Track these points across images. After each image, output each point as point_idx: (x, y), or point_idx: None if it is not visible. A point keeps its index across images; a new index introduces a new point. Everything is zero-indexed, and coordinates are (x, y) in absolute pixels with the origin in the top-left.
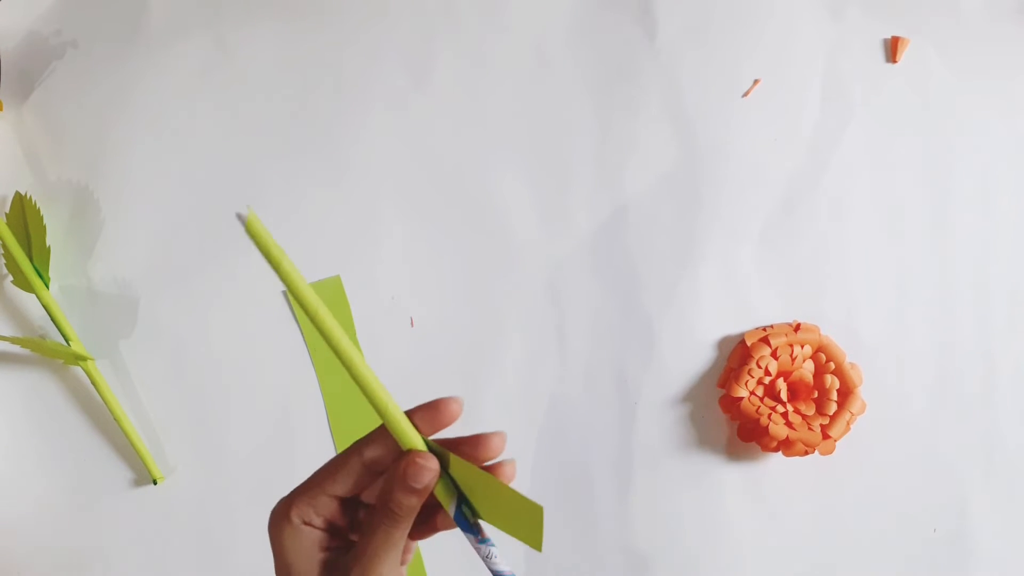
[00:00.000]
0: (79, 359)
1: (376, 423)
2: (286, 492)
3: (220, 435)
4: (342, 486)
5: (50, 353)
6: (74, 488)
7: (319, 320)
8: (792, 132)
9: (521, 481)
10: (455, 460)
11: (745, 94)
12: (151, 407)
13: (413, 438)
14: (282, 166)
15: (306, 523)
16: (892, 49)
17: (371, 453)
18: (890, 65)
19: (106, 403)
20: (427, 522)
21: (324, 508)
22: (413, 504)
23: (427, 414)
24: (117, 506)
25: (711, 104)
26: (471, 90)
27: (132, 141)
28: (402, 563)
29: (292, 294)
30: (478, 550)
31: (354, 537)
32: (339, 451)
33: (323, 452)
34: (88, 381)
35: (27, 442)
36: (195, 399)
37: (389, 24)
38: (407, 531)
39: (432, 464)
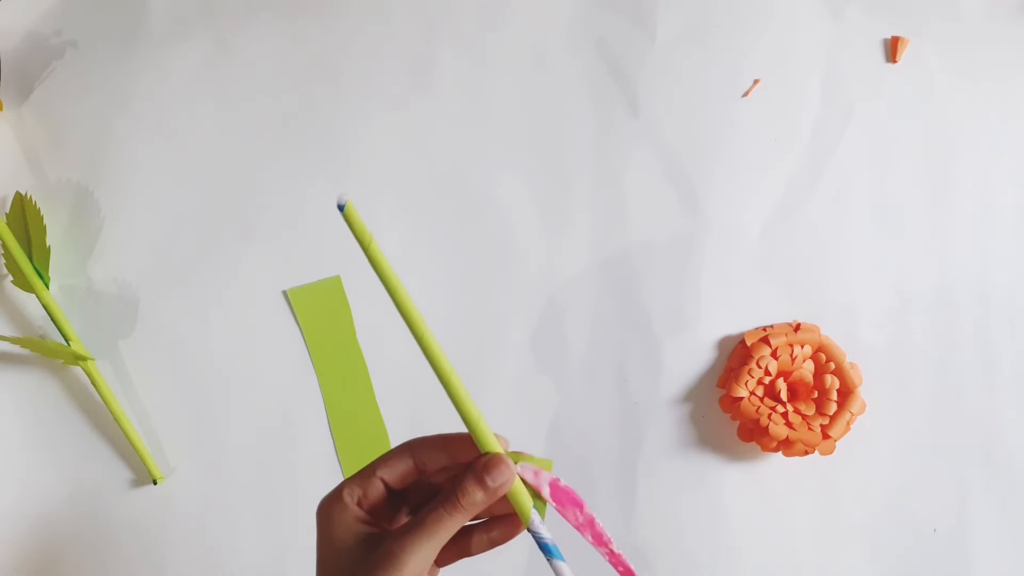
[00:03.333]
0: (79, 359)
1: (365, 429)
2: (286, 492)
3: (220, 435)
4: (391, 473)
5: (50, 353)
6: (74, 488)
7: (414, 323)
8: (792, 132)
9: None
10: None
11: (745, 94)
12: (151, 407)
13: (491, 442)
14: (282, 166)
15: (355, 503)
16: (892, 49)
17: (421, 453)
18: (890, 65)
19: (106, 403)
20: (459, 544)
21: (372, 491)
22: (478, 500)
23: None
24: (117, 506)
25: (711, 104)
26: (471, 90)
27: (132, 141)
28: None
29: (393, 296)
30: (551, 564)
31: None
32: (339, 451)
33: (323, 452)
34: (88, 381)
35: (27, 442)
36: (195, 399)
37: (389, 24)
38: (459, 524)
39: (514, 470)
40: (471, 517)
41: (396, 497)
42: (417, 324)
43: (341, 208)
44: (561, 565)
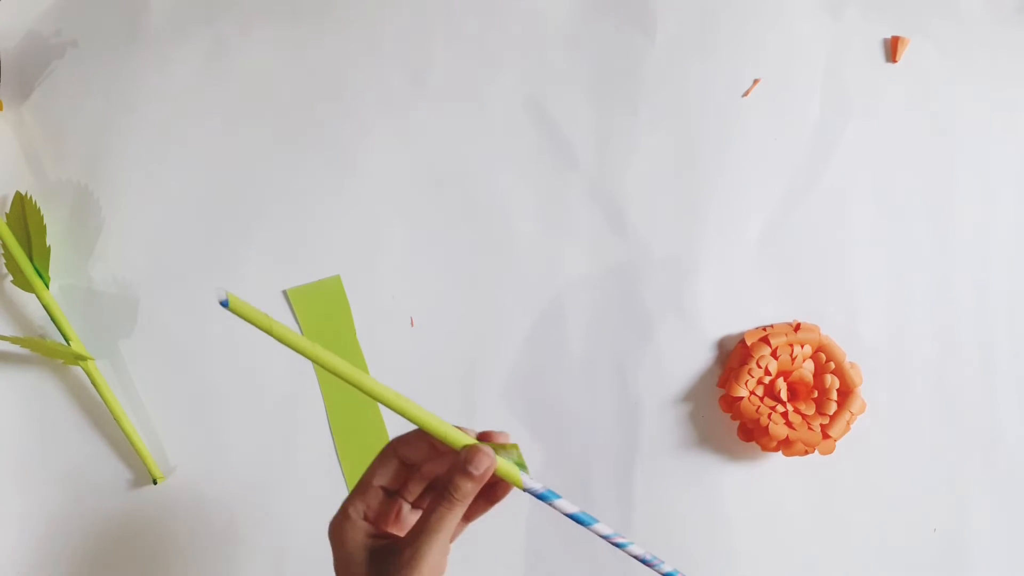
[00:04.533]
0: (79, 359)
1: (365, 429)
2: (286, 492)
3: (220, 435)
4: (385, 478)
5: (50, 353)
6: (74, 488)
7: (335, 368)
8: (792, 132)
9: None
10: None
11: (745, 94)
12: (151, 407)
13: (462, 438)
14: (282, 165)
15: (361, 518)
16: (892, 49)
17: (405, 451)
18: (890, 65)
19: (106, 403)
20: (481, 504)
21: (374, 500)
22: (469, 490)
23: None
24: (117, 506)
25: (711, 104)
26: (471, 90)
27: (132, 141)
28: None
29: (304, 355)
30: (553, 506)
31: (400, 533)
32: (339, 451)
33: (323, 452)
34: (88, 381)
35: (27, 442)
36: (195, 399)
37: (389, 24)
38: (460, 515)
39: (491, 453)
40: (469, 502)
41: (393, 494)
42: (348, 371)
43: (224, 304)
44: (562, 503)
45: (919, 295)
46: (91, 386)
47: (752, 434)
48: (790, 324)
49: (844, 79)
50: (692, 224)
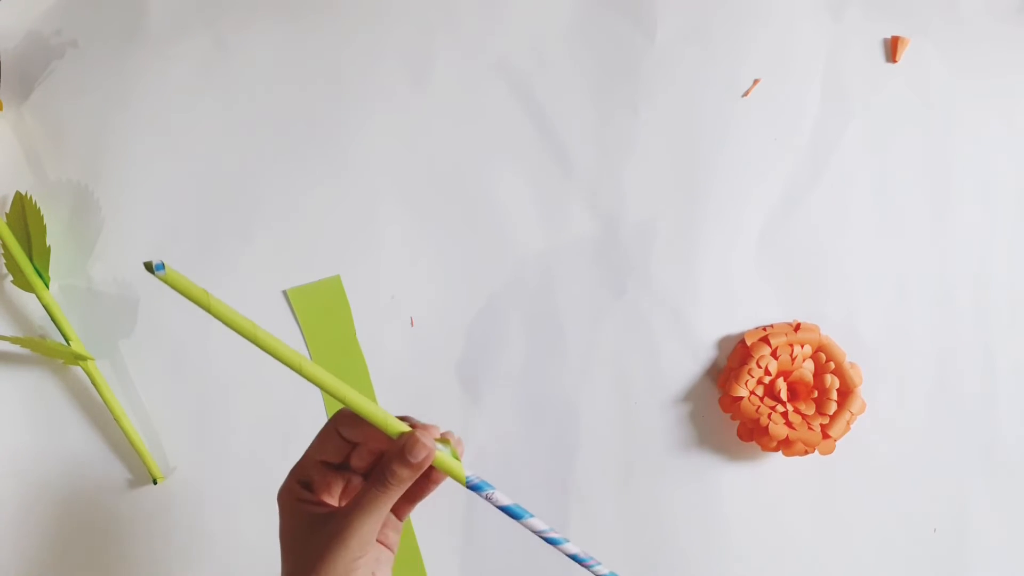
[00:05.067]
0: (79, 359)
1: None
2: None
3: (220, 435)
4: (325, 453)
5: (50, 353)
6: (74, 488)
7: (263, 342)
8: (792, 132)
9: (521, 480)
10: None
11: (745, 94)
12: (151, 407)
13: (397, 426)
14: (282, 166)
15: (302, 486)
16: (892, 49)
17: (346, 430)
18: (890, 65)
19: (106, 403)
20: (408, 496)
21: (316, 473)
22: (405, 476)
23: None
24: (117, 506)
25: (711, 104)
26: (471, 90)
27: (132, 141)
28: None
29: (229, 326)
30: (487, 497)
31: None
32: None
33: None
34: (88, 381)
35: (27, 442)
36: (195, 399)
37: (389, 24)
38: (394, 499)
39: (430, 443)
40: (402, 492)
41: (341, 467)
42: (287, 354)
43: (156, 268)
44: (497, 495)
45: (919, 295)
46: (91, 386)
47: (752, 434)
48: (790, 324)
49: (844, 79)
50: (692, 224)
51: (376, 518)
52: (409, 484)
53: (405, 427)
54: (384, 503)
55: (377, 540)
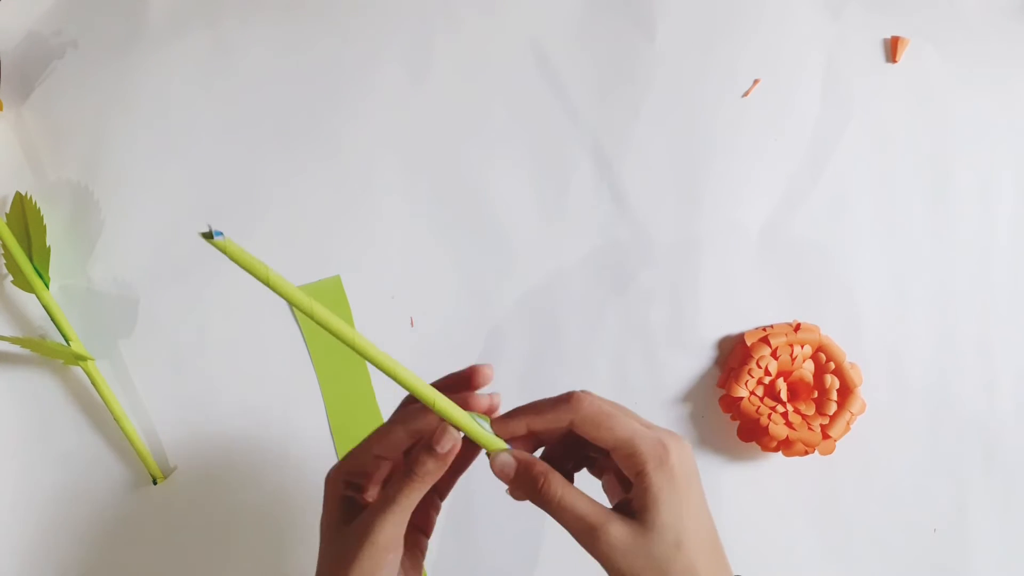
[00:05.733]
0: (79, 359)
1: (365, 429)
2: (286, 492)
3: (220, 435)
4: (379, 445)
5: (50, 353)
6: (74, 488)
7: (333, 327)
8: (792, 132)
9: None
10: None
11: (745, 94)
12: (151, 407)
13: (434, 398)
14: (282, 166)
15: (350, 479)
16: (892, 49)
17: (415, 424)
18: (890, 65)
19: (106, 403)
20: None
21: (370, 465)
22: (431, 468)
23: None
24: (117, 506)
25: (711, 104)
26: (471, 90)
27: (132, 141)
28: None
29: (301, 310)
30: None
31: None
32: (339, 451)
33: (323, 452)
34: (88, 381)
35: (27, 442)
36: (195, 399)
37: (389, 23)
38: (422, 491)
39: (455, 434)
40: (431, 484)
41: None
42: (343, 329)
43: (215, 235)
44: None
45: (919, 295)
46: (91, 386)
47: (752, 434)
48: (790, 324)
49: (844, 79)
50: (692, 224)
51: (404, 510)
52: (437, 476)
53: (454, 411)
54: (411, 495)
55: (416, 527)
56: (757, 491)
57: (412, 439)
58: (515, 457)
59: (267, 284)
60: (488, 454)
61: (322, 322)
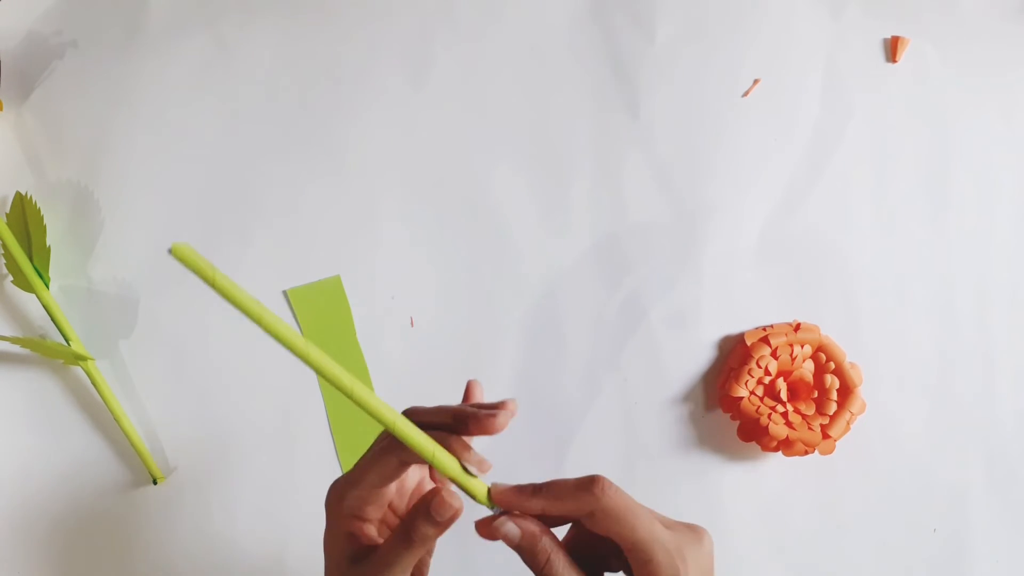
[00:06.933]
0: (79, 359)
1: (365, 429)
2: (286, 492)
3: (220, 435)
4: (378, 474)
5: (50, 353)
6: (74, 488)
7: (323, 369)
8: (792, 132)
9: (521, 480)
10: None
11: (745, 94)
12: (151, 407)
13: (450, 468)
14: (282, 166)
15: (352, 515)
16: (892, 49)
17: (407, 455)
18: (890, 65)
19: (106, 403)
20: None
21: (371, 497)
22: (430, 534)
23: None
24: (117, 506)
25: (711, 104)
26: (471, 89)
27: (132, 141)
28: None
29: (281, 341)
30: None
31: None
32: (339, 451)
33: (323, 452)
34: (88, 381)
35: (27, 442)
36: (195, 399)
37: (388, 23)
38: (417, 557)
39: (456, 503)
40: (429, 545)
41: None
42: (291, 338)
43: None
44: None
45: (919, 295)
46: (91, 386)
47: (752, 434)
48: (790, 324)
49: (844, 79)
50: (692, 224)
51: (402, 572)
52: (432, 542)
53: (449, 463)
54: (408, 560)
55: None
56: (757, 491)
57: (406, 468)
58: (520, 527)
59: (213, 287)
60: (491, 511)
61: (274, 334)
